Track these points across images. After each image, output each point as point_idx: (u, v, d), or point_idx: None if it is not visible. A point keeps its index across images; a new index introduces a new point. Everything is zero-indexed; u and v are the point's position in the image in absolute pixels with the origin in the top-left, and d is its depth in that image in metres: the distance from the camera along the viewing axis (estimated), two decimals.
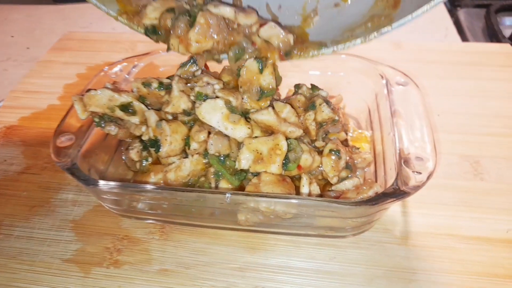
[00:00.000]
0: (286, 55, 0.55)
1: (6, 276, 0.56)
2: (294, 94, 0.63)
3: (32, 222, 0.62)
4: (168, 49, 0.55)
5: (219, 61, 0.56)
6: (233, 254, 0.56)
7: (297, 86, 0.64)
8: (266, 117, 0.54)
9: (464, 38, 1.05)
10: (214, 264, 0.56)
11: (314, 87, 0.62)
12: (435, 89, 0.81)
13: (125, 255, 0.57)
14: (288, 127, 0.55)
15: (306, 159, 0.56)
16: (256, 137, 0.55)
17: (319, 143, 0.59)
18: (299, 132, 0.55)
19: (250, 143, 0.54)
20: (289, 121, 0.56)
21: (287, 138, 0.54)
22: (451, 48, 0.94)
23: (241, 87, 0.57)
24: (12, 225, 0.62)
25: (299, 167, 0.56)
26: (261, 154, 0.54)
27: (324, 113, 0.58)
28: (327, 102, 0.59)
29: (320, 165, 0.58)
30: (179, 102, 0.59)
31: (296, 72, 0.71)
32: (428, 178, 0.49)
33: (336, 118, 0.59)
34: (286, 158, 0.54)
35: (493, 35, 1.02)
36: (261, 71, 0.55)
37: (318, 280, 0.53)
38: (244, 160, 0.55)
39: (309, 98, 0.61)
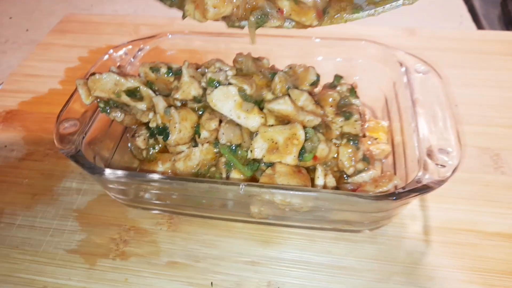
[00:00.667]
0: (324, 13, 0.48)
1: (8, 266, 0.54)
2: (331, 86, 0.59)
3: (35, 211, 0.60)
4: (184, 16, 0.51)
5: (240, 27, 0.51)
6: (245, 247, 0.54)
7: (338, 79, 0.59)
8: (283, 106, 0.51)
9: (479, 26, 1.02)
10: (225, 258, 0.53)
11: (352, 92, 0.58)
12: (451, 79, 0.78)
13: (132, 246, 0.55)
14: (306, 116, 0.52)
15: (323, 149, 0.53)
16: (271, 125, 0.52)
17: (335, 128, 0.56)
18: (317, 120, 0.52)
19: (266, 131, 0.52)
20: (306, 109, 0.53)
21: (304, 127, 0.52)
22: (467, 36, 0.91)
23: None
24: (14, 214, 0.60)
25: (315, 157, 0.53)
26: (276, 143, 0.52)
27: (354, 129, 0.55)
28: (360, 115, 0.56)
29: (336, 156, 0.56)
30: (189, 88, 0.56)
31: (311, 58, 0.68)
32: (453, 172, 0.46)
33: (360, 134, 0.56)
34: (302, 148, 0.52)
35: (510, 22, 0.99)
36: None
37: (333, 276, 0.51)
38: (258, 149, 0.52)
39: (343, 101, 0.58)
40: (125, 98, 0.57)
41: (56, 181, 0.64)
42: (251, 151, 0.53)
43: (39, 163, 0.67)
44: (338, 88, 0.58)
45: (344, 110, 0.57)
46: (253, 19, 0.48)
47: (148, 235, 0.56)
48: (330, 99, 0.55)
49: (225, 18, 0.50)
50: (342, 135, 0.56)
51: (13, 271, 0.53)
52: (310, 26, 0.49)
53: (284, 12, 0.48)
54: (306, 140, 0.52)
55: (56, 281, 0.52)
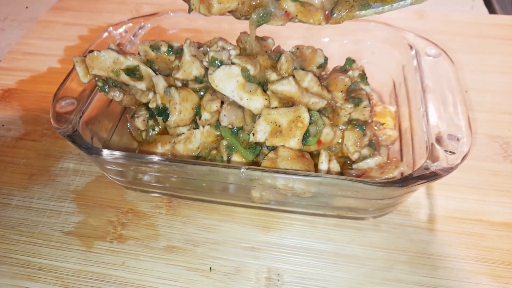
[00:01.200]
0: (332, 14, 0.47)
1: (4, 247, 0.53)
2: (342, 69, 0.56)
3: (31, 192, 0.59)
4: (190, 10, 0.50)
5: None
6: (245, 232, 0.53)
7: (350, 63, 0.56)
8: (287, 87, 0.49)
9: (491, 10, 0.98)
10: (225, 243, 0.52)
11: (363, 78, 0.56)
12: (461, 64, 0.75)
13: (130, 229, 0.54)
14: (311, 98, 0.50)
15: (328, 133, 0.51)
16: (275, 107, 0.50)
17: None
18: (322, 103, 0.50)
19: (269, 114, 0.50)
20: (311, 90, 0.51)
21: (309, 110, 0.50)
22: (478, 20, 0.88)
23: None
24: (10, 194, 0.58)
25: (319, 142, 0.52)
26: (279, 126, 0.50)
27: (363, 116, 0.53)
28: (369, 101, 0.54)
29: (341, 141, 0.54)
30: (190, 67, 0.54)
31: (317, 39, 0.65)
32: (463, 159, 0.44)
33: (369, 121, 0.54)
34: (307, 132, 0.50)
35: None
36: None
37: (335, 263, 0.50)
38: (261, 132, 0.50)
39: (352, 86, 0.56)
40: (124, 77, 0.55)
41: (53, 162, 0.63)
42: (253, 134, 0.51)
43: (37, 143, 0.66)
44: (350, 72, 0.55)
45: (353, 95, 0.54)
46: (255, 16, 0.46)
47: (146, 218, 0.55)
48: (341, 84, 0.53)
49: (230, 12, 0.49)
50: (350, 121, 0.54)
51: (9, 252, 0.52)
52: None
53: (290, 15, 0.47)
54: (310, 123, 0.50)
55: (52, 263, 0.51)
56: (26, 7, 1.02)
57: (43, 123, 0.69)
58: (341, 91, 0.53)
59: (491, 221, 0.53)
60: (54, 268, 0.50)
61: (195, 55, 0.55)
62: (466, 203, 0.55)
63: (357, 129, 0.53)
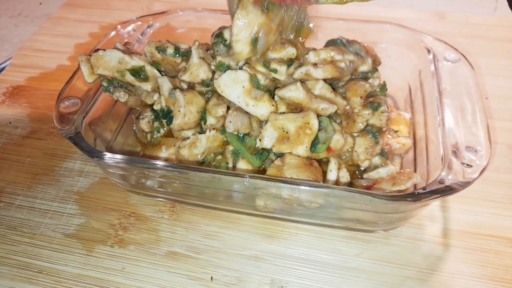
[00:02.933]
0: None
1: (5, 247, 0.52)
2: (363, 76, 0.54)
3: (35, 191, 0.58)
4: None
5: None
6: (249, 241, 0.51)
7: (373, 72, 0.54)
8: (295, 93, 0.47)
9: None
10: (227, 251, 0.50)
11: (383, 88, 0.54)
12: (482, 69, 0.72)
13: (132, 233, 0.53)
14: (320, 104, 0.48)
15: (338, 140, 0.49)
16: (283, 113, 0.48)
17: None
18: (332, 108, 0.48)
19: (276, 119, 0.48)
20: (323, 97, 0.49)
21: (318, 115, 0.48)
22: (502, 23, 0.84)
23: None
24: (14, 193, 0.58)
25: (328, 149, 0.50)
26: (287, 133, 0.48)
27: (380, 121, 0.51)
28: (387, 106, 0.52)
29: (352, 149, 0.52)
30: (198, 70, 0.52)
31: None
32: (481, 173, 0.42)
33: (384, 129, 0.52)
34: (316, 138, 0.48)
35: None
36: None
37: (341, 277, 0.48)
38: (267, 138, 0.48)
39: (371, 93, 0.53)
40: (129, 78, 0.54)
41: (58, 161, 0.62)
42: (260, 139, 0.49)
43: (43, 141, 0.65)
44: (370, 80, 0.53)
45: (371, 100, 0.52)
46: None
47: (148, 223, 0.54)
48: (361, 90, 0.50)
49: None
50: (364, 127, 0.52)
51: (10, 253, 0.51)
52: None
53: None
54: (320, 130, 0.48)
55: (52, 266, 0.50)
56: (40, 3, 1.02)
57: (50, 121, 0.68)
58: (360, 97, 0.50)
59: (509, 237, 0.50)
60: (54, 271, 0.50)
61: (203, 58, 0.53)
62: (482, 217, 0.52)
63: (370, 136, 0.51)
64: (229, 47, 0.52)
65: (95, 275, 0.49)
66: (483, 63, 0.72)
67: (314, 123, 0.47)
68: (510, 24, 0.83)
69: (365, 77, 0.54)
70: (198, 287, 0.47)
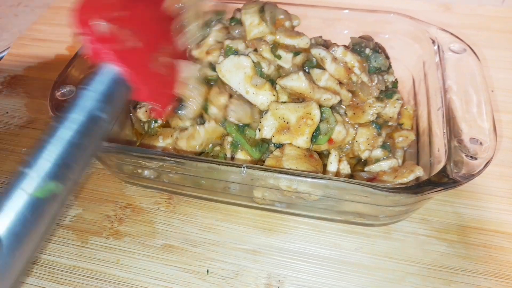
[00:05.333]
0: None
1: None
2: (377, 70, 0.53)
3: None
4: None
5: None
6: (247, 234, 0.50)
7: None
8: (297, 83, 0.46)
9: None
10: (224, 244, 0.49)
11: (395, 84, 0.54)
12: (488, 61, 0.70)
13: (127, 225, 0.52)
14: (323, 94, 0.46)
15: (340, 131, 0.48)
16: (284, 102, 0.47)
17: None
18: (335, 99, 0.47)
19: (277, 109, 0.46)
20: (326, 88, 0.48)
21: (320, 106, 0.46)
22: (510, 15, 0.82)
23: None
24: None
25: (330, 140, 0.48)
26: (287, 123, 0.46)
27: (393, 110, 0.50)
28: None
29: (353, 140, 0.51)
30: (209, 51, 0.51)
31: (333, 30, 0.61)
32: (485, 165, 0.40)
33: (395, 124, 0.52)
34: (317, 129, 0.47)
35: None
36: None
37: (341, 272, 0.46)
38: (267, 128, 0.47)
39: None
40: None
41: None
42: (259, 129, 0.48)
43: (40, 131, 0.64)
44: (386, 76, 0.52)
45: (384, 90, 0.51)
46: None
47: (144, 214, 0.53)
48: (375, 82, 0.49)
49: None
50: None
51: None
52: None
53: None
54: (321, 120, 0.47)
55: (46, 257, 0.49)
56: None
57: (47, 111, 0.66)
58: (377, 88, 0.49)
59: None
60: (48, 262, 0.49)
61: (219, 42, 0.52)
62: (487, 213, 0.51)
63: (373, 127, 0.50)
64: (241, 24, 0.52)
65: (90, 267, 0.48)
66: (489, 55, 0.70)
67: (316, 113, 0.46)
68: None
69: (379, 71, 0.53)
70: (194, 280, 0.47)
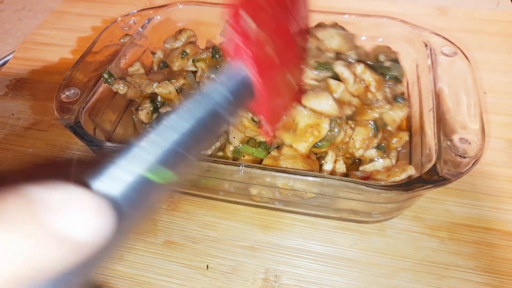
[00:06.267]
0: None
1: None
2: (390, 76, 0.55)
3: None
4: None
5: None
6: (245, 231, 0.52)
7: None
8: (326, 107, 0.47)
9: None
10: (224, 241, 0.51)
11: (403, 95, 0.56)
12: (482, 63, 0.71)
13: None
14: (344, 111, 0.49)
15: (341, 137, 0.50)
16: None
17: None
18: (349, 111, 0.49)
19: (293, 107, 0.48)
20: (343, 100, 0.50)
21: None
22: (504, 18, 0.83)
23: None
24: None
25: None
26: (296, 124, 0.48)
27: (398, 114, 0.52)
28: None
29: (349, 138, 0.52)
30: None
31: None
32: (473, 164, 0.42)
33: (394, 130, 0.54)
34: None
35: None
36: None
37: (336, 267, 0.48)
38: None
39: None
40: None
41: (59, 152, 0.63)
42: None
43: (44, 133, 0.66)
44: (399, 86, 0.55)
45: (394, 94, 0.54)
46: None
47: None
48: (387, 88, 0.52)
49: None
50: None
51: None
52: None
53: None
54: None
55: None
56: None
57: (52, 113, 0.68)
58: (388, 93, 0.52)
59: (504, 230, 0.50)
60: None
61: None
62: (478, 210, 0.52)
63: (371, 127, 0.51)
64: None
65: None
66: (483, 58, 0.72)
67: (325, 128, 0.47)
68: (511, 19, 0.83)
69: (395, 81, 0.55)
70: (194, 275, 0.48)
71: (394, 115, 0.52)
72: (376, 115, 0.51)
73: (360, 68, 0.51)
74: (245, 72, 0.32)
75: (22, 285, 0.17)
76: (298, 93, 0.47)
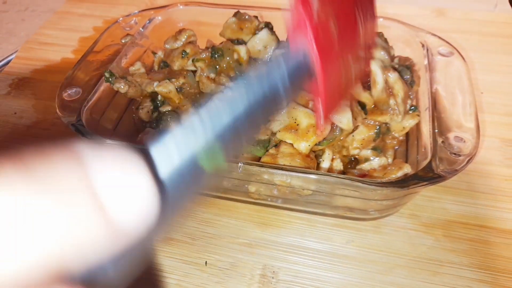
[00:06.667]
0: None
1: None
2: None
3: None
4: None
5: None
6: (243, 228, 0.53)
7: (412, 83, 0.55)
8: (341, 123, 0.48)
9: None
10: (222, 237, 0.52)
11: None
12: (480, 64, 0.72)
13: None
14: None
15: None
16: (302, 104, 0.50)
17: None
18: (359, 124, 0.50)
19: (295, 108, 0.49)
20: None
21: None
22: (502, 19, 0.84)
23: None
24: None
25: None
26: (298, 125, 0.49)
27: (409, 123, 0.52)
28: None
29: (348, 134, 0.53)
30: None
31: None
32: (468, 161, 0.43)
33: (400, 137, 0.54)
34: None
35: None
36: None
37: (332, 264, 0.49)
38: (277, 122, 0.50)
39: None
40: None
41: None
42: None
43: (46, 131, 0.67)
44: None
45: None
46: None
47: None
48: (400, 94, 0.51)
49: None
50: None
51: None
52: None
53: None
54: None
55: None
56: None
57: (54, 112, 0.69)
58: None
59: (499, 228, 0.51)
60: None
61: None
62: (473, 208, 0.53)
63: (375, 130, 0.51)
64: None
65: None
66: (480, 58, 0.73)
67: (327, 128, 0.48)
68: (508, 20, 0.83)
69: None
70: (193, 271, 0.49)
71: (406, 123, 0.52)
72: (387, 120, 0.52)
73: (393, 76, 0.50)
74: (305, 51, 0.30)
75: (58, 273, 0.14)
76: (356, 83, 0.44)
